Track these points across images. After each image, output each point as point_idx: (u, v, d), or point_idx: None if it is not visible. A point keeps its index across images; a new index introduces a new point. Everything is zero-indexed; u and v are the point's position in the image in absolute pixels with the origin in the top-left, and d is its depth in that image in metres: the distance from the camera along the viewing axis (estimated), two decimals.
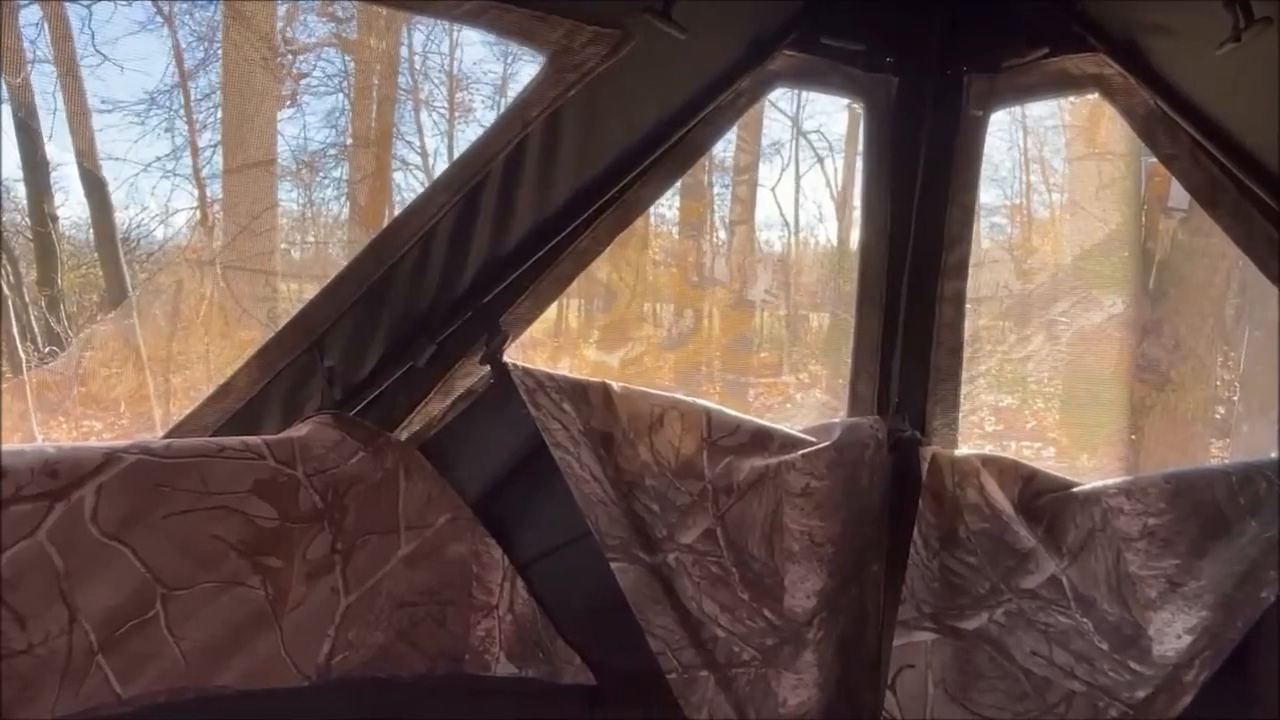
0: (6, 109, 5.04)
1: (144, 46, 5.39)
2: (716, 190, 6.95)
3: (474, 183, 1.83)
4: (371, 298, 1.85)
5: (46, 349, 5.33)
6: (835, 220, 7.25)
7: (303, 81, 5.41)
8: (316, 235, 5.91)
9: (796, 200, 7.06)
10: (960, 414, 2.15)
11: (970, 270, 2.10)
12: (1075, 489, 1.98)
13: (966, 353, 2.14)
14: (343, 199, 5.87)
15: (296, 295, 5.20)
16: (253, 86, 5.02)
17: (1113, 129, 5.32)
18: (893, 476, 2.10)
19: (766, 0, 1.91)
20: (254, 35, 4.93)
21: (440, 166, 6.11)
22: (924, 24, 2.02)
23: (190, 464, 1.63)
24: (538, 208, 1.89)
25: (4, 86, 4.82)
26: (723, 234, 6.97)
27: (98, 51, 5.06)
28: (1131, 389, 5.37)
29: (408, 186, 6.04)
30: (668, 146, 1.93)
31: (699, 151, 2.04)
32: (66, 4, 4.90)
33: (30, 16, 4.85)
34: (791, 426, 2.10)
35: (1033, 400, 6.21)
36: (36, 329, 5.39)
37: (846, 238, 6.96)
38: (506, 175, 1.85)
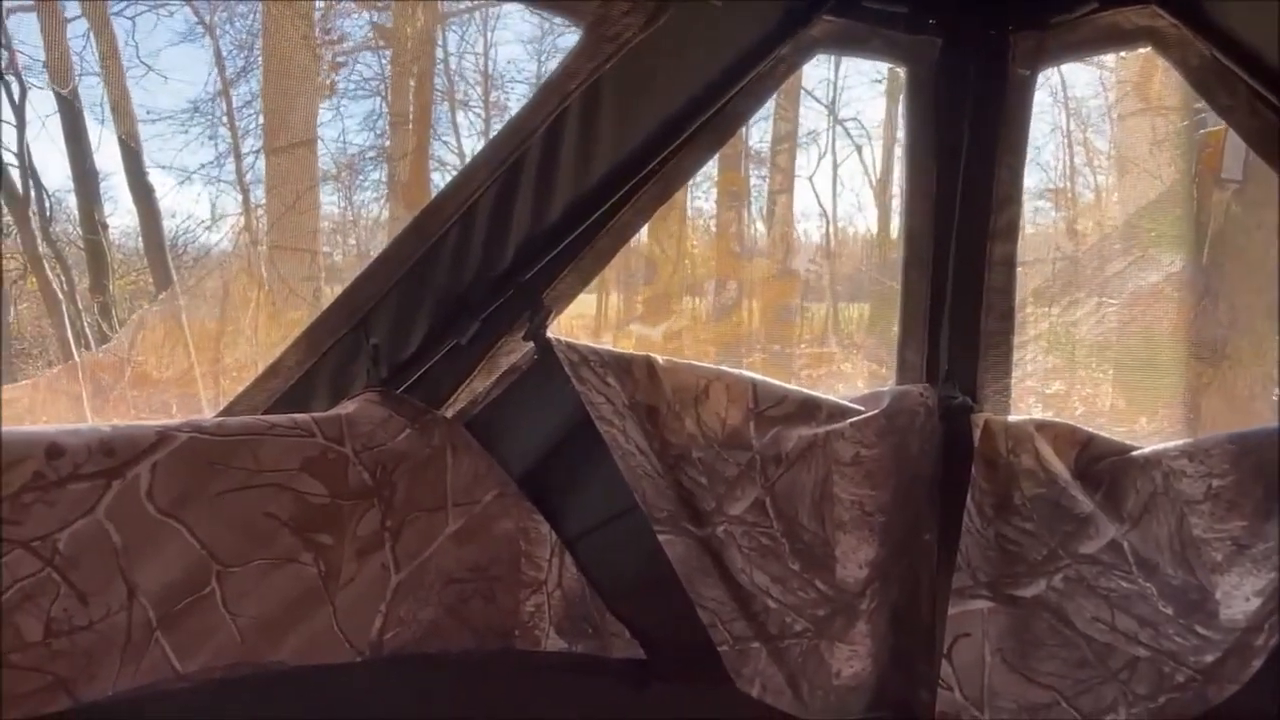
0: (57, 119, 5.17)
1: (186, 56, 5.48)
2: (753, 166, 6.89)
3: (513, 159, 1.82)
4: (415, 276, 1.85)
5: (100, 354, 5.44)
6: (875, 209, 7.17)
7: (341, 72, 5.45)
8: (358, 238, 5.96)
9: (834, 190, 6.97)
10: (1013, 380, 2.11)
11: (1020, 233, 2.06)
12: (1134, 452, 1.93)
13: (1017, 318, 2.10)
14: (383, 201, 5.92)
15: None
16: (294, 64, 5.05)
17: (1166, 82, 5.17)
18: (944, 444, 2.06)
19: None
20: (294, 14, 4.97)
21: None
22: None
23: (241, 441, 1.65)
24: (577, 182, 1.88)
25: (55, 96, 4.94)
26: (762, 204, 6.88)
27: (142, 62, 5.14)
28: (1190, 352, 5.23)
29: None
30: (707, 117, 1.90)
31: (739, 121, 2.01)
32: (112, 15, 5.00)
33: (77, 29, 4.95)
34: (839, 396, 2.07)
35: (1082, 386, 6.06)
36: (90, 335, 5.50)
37: (886, 226, 6.87)
38: (545, 150, 1.84)
